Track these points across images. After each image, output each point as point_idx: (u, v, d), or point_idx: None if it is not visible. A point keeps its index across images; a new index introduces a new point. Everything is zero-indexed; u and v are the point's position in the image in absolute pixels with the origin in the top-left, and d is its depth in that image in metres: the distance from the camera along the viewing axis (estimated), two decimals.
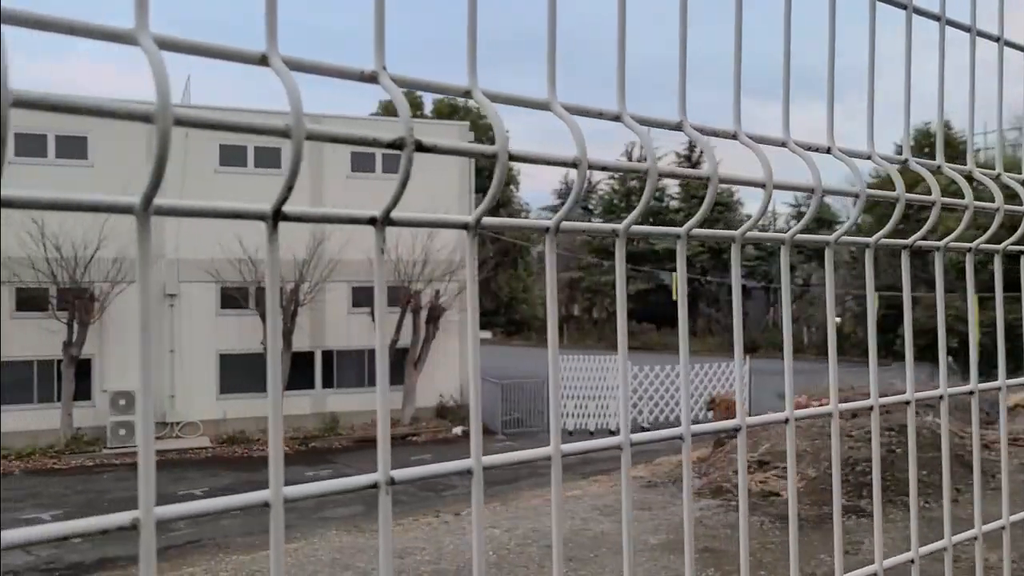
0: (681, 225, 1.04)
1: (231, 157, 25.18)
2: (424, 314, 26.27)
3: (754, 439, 13.91)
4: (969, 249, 1.46)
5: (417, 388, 26.13)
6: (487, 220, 0.86)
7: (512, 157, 0.82)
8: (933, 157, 1.40)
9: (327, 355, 26.42)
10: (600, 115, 0.93)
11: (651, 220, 41.72)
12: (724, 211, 52.56)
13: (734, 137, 1.07)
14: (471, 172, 28.72)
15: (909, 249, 1.35)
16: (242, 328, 25.06)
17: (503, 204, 51.67)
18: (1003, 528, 1.56)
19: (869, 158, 1.28)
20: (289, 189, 0.69)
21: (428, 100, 52.08)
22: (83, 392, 23.70)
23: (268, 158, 25.53)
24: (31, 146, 22.82)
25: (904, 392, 1.39)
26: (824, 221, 45.05)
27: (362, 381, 26.74)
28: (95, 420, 23.47)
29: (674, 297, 38.94)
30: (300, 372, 25.07)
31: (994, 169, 1.49)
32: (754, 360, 26.58)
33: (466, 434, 25.63)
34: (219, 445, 23.53)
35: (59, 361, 23.12)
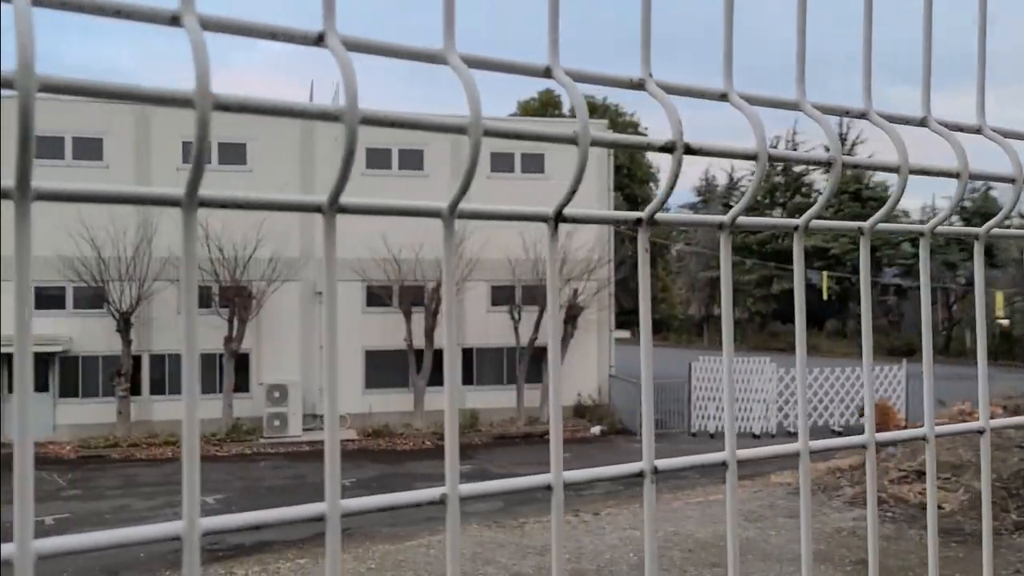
0: (853, 221, 0.97)
1: (376, 160, 25.95)
2: (563, 313, 26.29)
3: (913, 447, 13.15)
4: None
5: None
6: (660, 216, 0.83)
7: (689, 150, 0.79)
8: None
9: (467, 353, 26.92)
10: (780, 105, 0.89)
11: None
12: (877, 205, 49.98)
13: (923, 124, 0.99)
14: (610, 170, 28.54)
15: None
16: (386, 325, 25.92)
17: (643, 200, 50.97)
18: None
19: None
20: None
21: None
22: (242, 384, 25.21)
23: (410, 160, 26.26)
24: (51, 148, 23.73)
25: None
26: (989, 215, 42.03)
27: (500, 379, 27.09)
28: (252, 411, 24.92)
29: (824, 296, 37.32)
30: (442, 369, 25.63)
31: None
32: (911, 364, 25.12)
33: (604, 433, 25.46)
34: (365, 438, 24.44)
35: (220, 355, 24.67)
